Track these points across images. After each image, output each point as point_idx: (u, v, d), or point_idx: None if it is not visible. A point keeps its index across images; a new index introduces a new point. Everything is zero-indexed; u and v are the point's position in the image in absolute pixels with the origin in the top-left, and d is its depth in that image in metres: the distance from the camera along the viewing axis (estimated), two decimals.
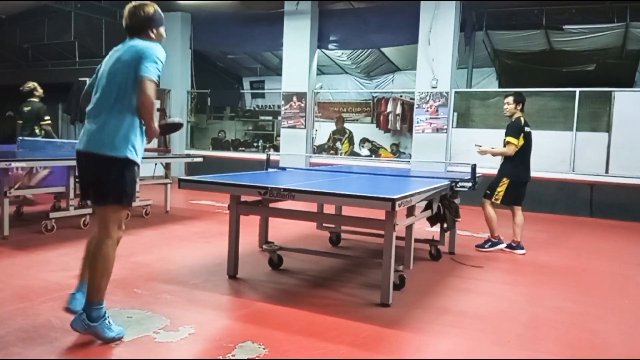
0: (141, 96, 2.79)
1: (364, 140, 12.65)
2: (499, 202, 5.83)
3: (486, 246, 5.93)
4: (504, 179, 5.87)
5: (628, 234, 7.44)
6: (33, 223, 6.05)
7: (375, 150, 12.52)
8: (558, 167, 9.06)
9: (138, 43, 2.95)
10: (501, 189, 5.86)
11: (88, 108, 3.02)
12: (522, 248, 5.86)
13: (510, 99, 6.07)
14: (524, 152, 5.85)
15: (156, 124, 2.93)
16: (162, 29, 3.16)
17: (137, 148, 2.93)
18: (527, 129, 5.92)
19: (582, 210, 8.84)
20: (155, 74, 2.84)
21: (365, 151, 12.33)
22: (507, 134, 5.91)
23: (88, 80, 3.19)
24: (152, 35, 3.09)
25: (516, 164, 5.83)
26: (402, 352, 3.04)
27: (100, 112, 2.91)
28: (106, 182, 2.90)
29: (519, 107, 6.02)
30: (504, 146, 5.93)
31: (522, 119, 5.94)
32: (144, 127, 2.95)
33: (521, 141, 5.81)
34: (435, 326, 3.44)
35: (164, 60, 2.94)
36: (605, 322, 3.67)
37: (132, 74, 2.84)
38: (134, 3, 3.09)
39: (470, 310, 3.81)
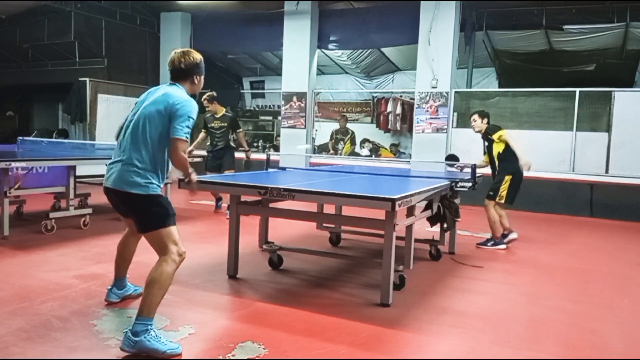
0: (174, 155, 2.96)
1: (364, 141, 12.67)
2: (503, 200, 5.86)
3: (488, 244, 5.96)
4: (507, 177, 5.90)
5: (628, 234, 7.44)
6: (33, 223, 6.05)
7: (375, 150, 12.53)
8: (558, 167, 9.06)
9: (175, 93, 3.02)
10: (504, 187, 5.89)
11: (118, 142, 3.12)
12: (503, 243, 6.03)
13: (475, 116, 6.24)
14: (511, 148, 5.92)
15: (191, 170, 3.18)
16: (202, 77, 3.30)
17: (160, 182, 3.06)
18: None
19: (582, 210, 8.84)
20: (187, 133, 2.95)
21: (365, 151, 12.33)
22: (496, 132, 5.98)
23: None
24: (196, 82, 3.22)
25: (513, 160, 5.86)
26: (402, 352, 3.04)
27: (127, 151, 3.00)
28: (141, 214, 3.03)
29: (485, 121, 6.17)
30: (494, 152, 6.03)
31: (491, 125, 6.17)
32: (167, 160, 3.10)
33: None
34: (435, 326, 3.44)
35: (195, 116, 3.04)
36: (605, 322, 3.67)
37: (162, 124, 2.95)
38: (182, 49, 3.22)
39: (470, 310, 3.81)
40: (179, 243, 3.01)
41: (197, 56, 3.21)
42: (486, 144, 6.19)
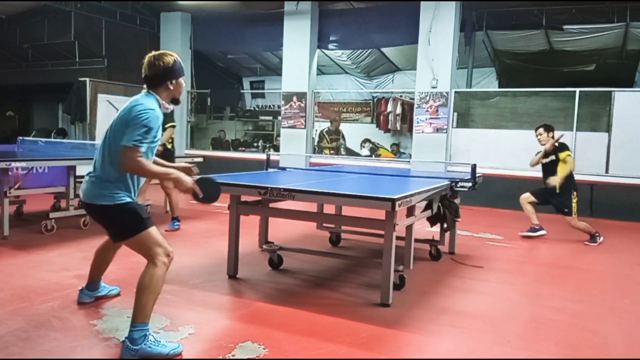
0: (119, 162, 2.81)
1: (365, 140, 12.67)
2: (576, 214, 6.47)
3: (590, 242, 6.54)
4: (574, 192, 6.56)
5: (628, 234, 7.44)
6: (33, 223, 6.05)
7: (375, 149, 12.53)
8: None
9: (140, 101, 2.89)
10: (575, 202, 6.56)
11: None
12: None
13: (541, 129, 6.72)
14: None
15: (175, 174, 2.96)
16: (182, 80, 3.07)
17: (129, 192, 2.99)
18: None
19: (582, 210, 8.81)
20: (137, 142, 2.77)
21: (365, 151, 12.33)
22: (563, 151, 6.53)
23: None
24: (171, 87, 3.01)
25: (572, 177, 6.56)
26: (402, 352, 3.04)
27: (95, 163, 3.00)
28: (112, 224, 3.02)
29: (551, 135, 6.62)
30: (557, 165, 6.56)
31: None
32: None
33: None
34: (435, 326, 3.44)
35: (157, 125, 2.87)
36: (605, 322, 3.67)
37: (122, 133, 2.81)
38: (153, 53, 3.01)
39: (470, 310, 3.81)
40: (164, 243, 2.97)
41: (169, 59, 2.96)
42: (552, 157, 6.59)
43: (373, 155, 11.99)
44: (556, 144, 6.53)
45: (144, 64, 2.98)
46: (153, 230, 2.95)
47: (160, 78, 2.97)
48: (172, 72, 2.99)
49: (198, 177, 3.13)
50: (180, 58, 3.09)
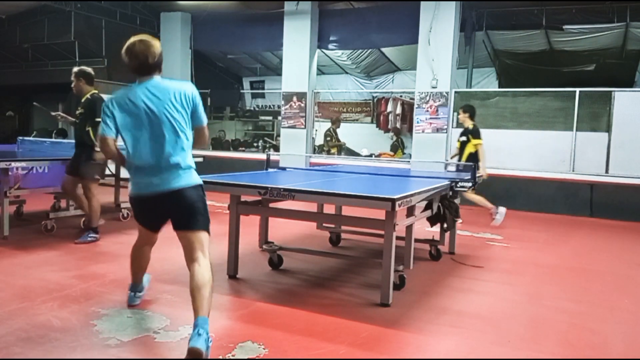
0: (207, 141, 3.19)
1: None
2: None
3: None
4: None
5: (628, 234, 7.44)
6: (33, 223, 6.05)
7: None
8: (558, 167, 9.06)
9: (179, 85, 3.07)
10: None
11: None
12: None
13: (461, 110, 7.63)
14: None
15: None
16: None
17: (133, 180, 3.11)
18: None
19: (582, 210, 8.84)
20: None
21: (365, 151, 12.33)
22: (475, 138, 7.37)
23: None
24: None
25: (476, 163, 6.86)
26: (402, 352, 3.04)
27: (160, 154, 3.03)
28: (200, 209, 3.08)
29: (467, 115, 7.49)
30: (465, 149, 7.41)
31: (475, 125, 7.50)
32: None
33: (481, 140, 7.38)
34: (435, 326, 3.44)
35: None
36: (605, 322, 3.67)
37: (190, 118, 3.05)
38: (141, 40, 3.01)
39: (470, 310, 3.81)
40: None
41: (158, 44, 3.08)
42: (463, 138, 7.47)
43: (373, 155, 11.99)
44: (467, 124, 7.45)
45: (137, 52, 2.97)
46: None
47: (160, 64, 3.10)
48: (162, 56, 3.14)
49: None
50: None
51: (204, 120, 3.10)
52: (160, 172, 2.97)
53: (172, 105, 2.96)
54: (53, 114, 5.97)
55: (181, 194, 3.00)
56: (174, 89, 3.00)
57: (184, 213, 3.04)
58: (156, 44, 3.06)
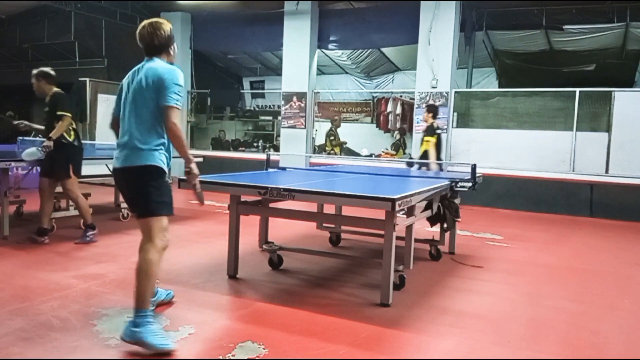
0: (169, 124, 2.94)
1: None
2: None
3: None
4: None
5: (628, 234, 7.44)
6: (33, 223, 6.03)
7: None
8: (558, 167, 9.06)
9: (159, 65, 3.02)
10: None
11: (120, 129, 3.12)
12: None
13: (424, 109, 8.46)
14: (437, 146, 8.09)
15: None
16: (175, 46, 3.26)
17: (164, 160, 3.08)
18: (439, 130, 8.23)
19: (582, 210, 8.84)
20: (180, 101, 2.98)
21: (365, 151, 12.33)
22: (429, 135, 8.06)
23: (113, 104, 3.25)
24: (172, 52, 3.20)
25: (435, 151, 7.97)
26: (402, 352, 3.04)
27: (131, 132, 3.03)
28: (143, 193, 3.01)
29: (430, 115, 8.16)
30: (422, 146, 8.16)
31: (434, 123, 8.13)
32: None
33: (435, 139, 7.99)
34: (435, 326, 3.44)
35: (183, 83, 3.06)
36: (605, 322, 3.67)
37: (155, 98, 2.96)
38: (151, 22, 3.12)
39: (470, 310, 3.81)
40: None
41: (167, 27, 3.14)
42: (422, 135, 8.22)
43: (373, 155, 11.99)
44: (428, 122, 8.12)
45: (143, 34, 3.09)
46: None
47: (165, 45, 3.13)
48: (172, 38, 3.18)
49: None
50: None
51: (169, 100, 2.91)
52: (122, 148, 3.04)
53: (143, 85, 2.97)
54: (15, 122, 5.81)
55: (125, 173, 3.03)
56: (153, 70, 3.00)
57: (127, 194, 3.14)
58: (164, 27, 3.12)
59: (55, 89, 5.33)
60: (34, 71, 5.34)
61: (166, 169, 3.06)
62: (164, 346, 2.83)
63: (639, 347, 3.28)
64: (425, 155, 8.02)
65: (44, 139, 5.27)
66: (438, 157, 8.05)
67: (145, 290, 2.89)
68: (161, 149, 3.02)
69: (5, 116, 5.98)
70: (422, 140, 8.18)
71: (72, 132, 5.33)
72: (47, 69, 5.36)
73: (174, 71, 3.00)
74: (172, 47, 3.19)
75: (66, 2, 11.25)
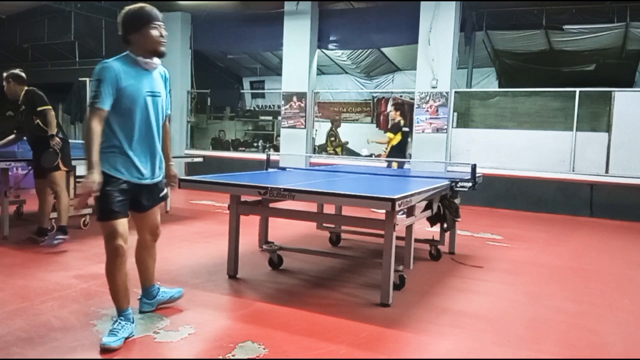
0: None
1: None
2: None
3: None
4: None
5: (628, 234, 7.44)
6: (33, 223, 6.04)
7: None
8: (558, 167, 9.06)
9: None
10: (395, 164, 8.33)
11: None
12: None
13: (392, 108, 8.90)
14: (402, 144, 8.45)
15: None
16: (147, 30, 2.86)
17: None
18: (405, 128, 8.56)
19: (582, 210, 8.84)
20: (96, 97, 2.74)
21: (365, 151, 12.33)
22: (390, 131, 8.52)
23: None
24: (135, 41, 2.87)
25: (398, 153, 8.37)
26: (402, 352, 3.04)
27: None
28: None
29: (398, 113, 8.60)
30: (390, 142, 8.50)
31: (401, 121, 8.50)
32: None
33: (399, 136, 8.34)
34: (435, 326, 3.44)
35: (108, 76, 2.76)
36: (605, 322, 3.67)
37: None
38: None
39: (470, 310, 3.81)
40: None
41: (121, 14, 2.88)
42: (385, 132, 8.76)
43: (373, 155, 11.99)
44: (395, 120, 8.52)
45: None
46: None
47: (123, 36, 2.89)
48: (128, 26, 2.88)
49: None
50: (147, 9, 2.90)
51: (88, 97, 2.80)
52: None
53: None
54: None
55: None
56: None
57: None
58: (121, 14, 2.89)
59: (26, 88, 5.28)
60: (4, 74, 5.31)
61: (116, 174, 2.90)
62: (107, 344, 2.82)
63: (639, 347, 3.28)
64: (392, 151, 8.39)
65: (30, 142, 5.30)
66: (402, 155, 8.45)
67: (110, 290, 3.01)
68: (112, 152, 2.89)
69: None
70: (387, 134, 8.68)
71: (58, 127, 5.28)
72: (17, 71, 5.34)
73: (97, 66, 2.79)
74: (131, 35, 2.86)
75: (66, 2, 11.24)
